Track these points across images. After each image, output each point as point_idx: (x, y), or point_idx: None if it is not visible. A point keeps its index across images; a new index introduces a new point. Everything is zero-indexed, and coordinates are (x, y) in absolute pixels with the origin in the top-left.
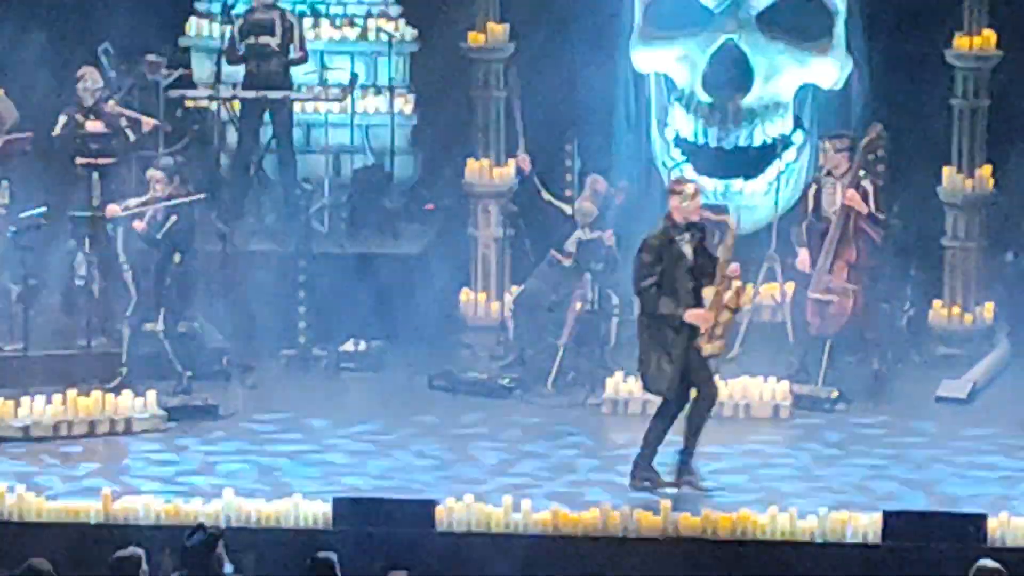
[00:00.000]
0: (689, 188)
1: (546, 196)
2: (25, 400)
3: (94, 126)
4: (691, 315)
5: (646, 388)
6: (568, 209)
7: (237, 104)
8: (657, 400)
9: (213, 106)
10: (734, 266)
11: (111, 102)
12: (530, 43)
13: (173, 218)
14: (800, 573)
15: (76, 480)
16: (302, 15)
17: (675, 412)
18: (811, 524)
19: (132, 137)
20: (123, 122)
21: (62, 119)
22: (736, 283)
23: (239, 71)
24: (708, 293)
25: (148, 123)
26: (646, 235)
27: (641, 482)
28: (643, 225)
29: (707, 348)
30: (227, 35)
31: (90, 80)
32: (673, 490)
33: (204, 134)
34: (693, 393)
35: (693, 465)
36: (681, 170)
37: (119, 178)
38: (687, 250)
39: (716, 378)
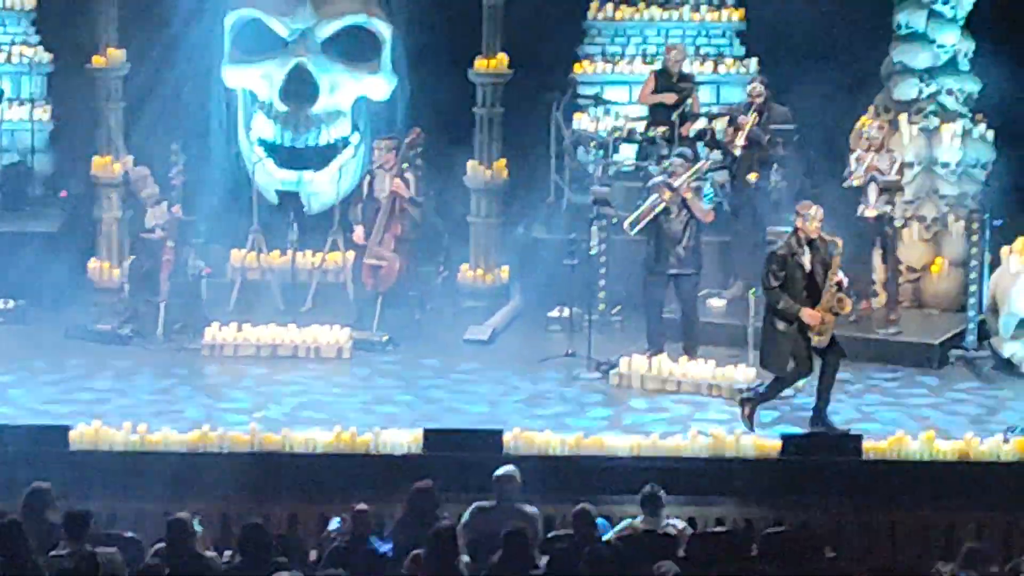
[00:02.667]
0: (812, 211)
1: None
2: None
3: None
4: (805, 314)
5: (763, 364)
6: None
7: None
8: None
9: None
10: (842, 278)
11: None
12: (144, 64)
13: None
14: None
15: None
16: None
17: (787, 384)
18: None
19: None
20: None
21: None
22: (841, 293)
23: None
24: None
25: None
26: (775, 247)
27: (748, 418)
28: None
29: (815, 340)
30: None
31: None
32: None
33: None
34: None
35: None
36: (264, 164)
37: None
38: (805, 261)
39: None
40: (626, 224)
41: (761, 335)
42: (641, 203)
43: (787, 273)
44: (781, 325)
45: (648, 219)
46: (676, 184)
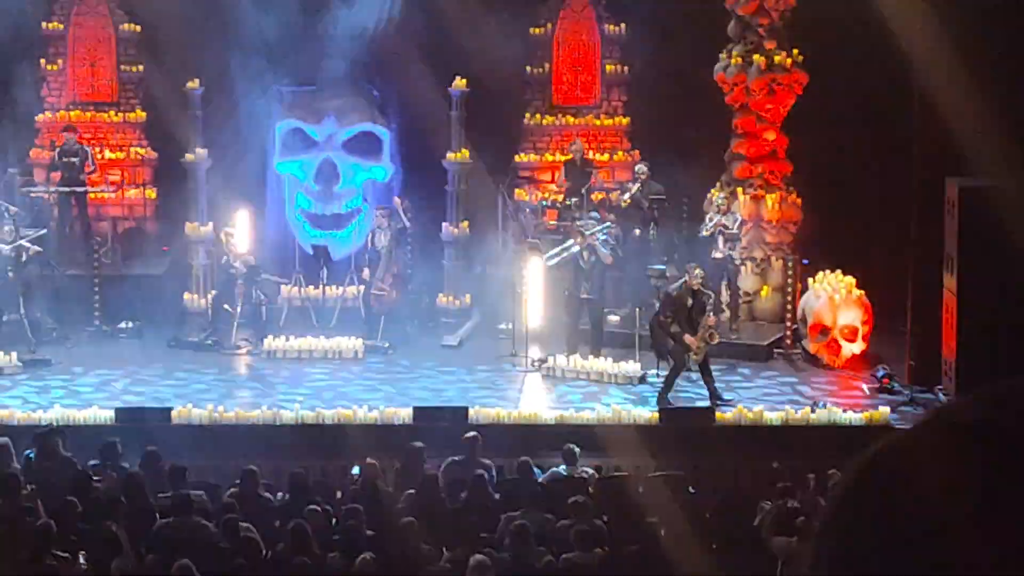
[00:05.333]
0: (696, 271)
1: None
2: None
3: None
4: (687, 339)
5: (663, 358)
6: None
7: None
8: None
9: None
10: (712, 319)
11: None
12: (222, 158)
13: None
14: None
15: None
16: None
17: (674, 377)
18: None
19: None
20: None
21: None
22: (712, 330)
23: None
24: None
25: None
26: (673, 293)
27: (663, 398)
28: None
29: (693, 357)
30: None
31: None
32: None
33: None
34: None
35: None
36: (310, 228)
37: None
38: (690, 303)
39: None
40: (544, 258)
41: (663, 343)
42: (561, 247)
43: (676, 310)
44: (675, 345)
45: (563, 256)
46: (587, 233)
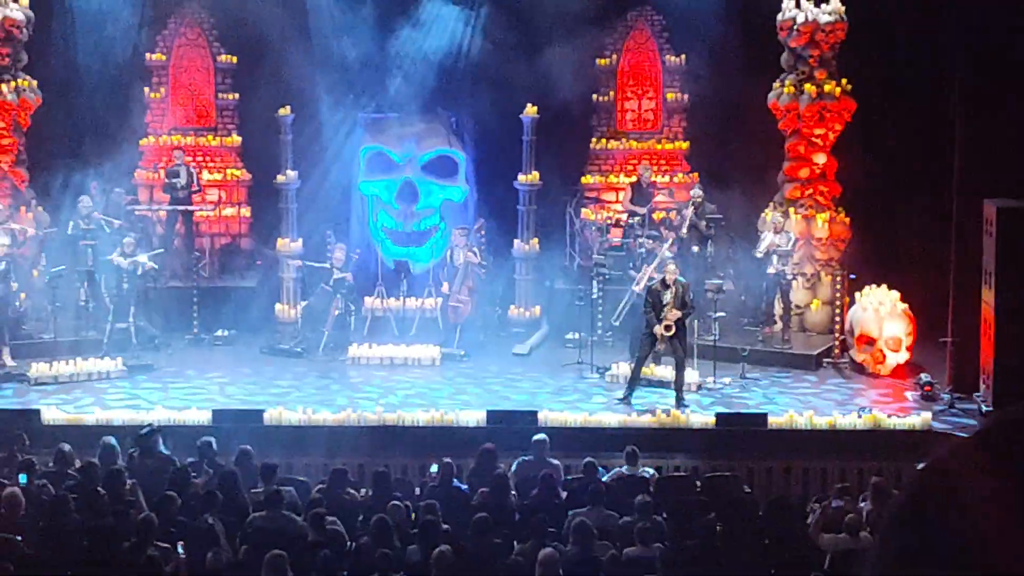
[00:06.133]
0: (671, 266)
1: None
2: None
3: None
4: (656, 329)
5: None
6: (327, 264)
7: None
8: None
9: None
10: (676, 313)
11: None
12: (309, 179)
13: None
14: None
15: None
16: None
17: (638, 368)
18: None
19: None
20: None
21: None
22: (674, 317)
23: None
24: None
25: None
26: (652, 285)
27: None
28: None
29: (659, 345)
30: None
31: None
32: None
33: None
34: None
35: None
36: (392, 244)
37: None
38: (666, 296)
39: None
40: (634, 284)
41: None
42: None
43: (653, 302)
44: (645, 331)
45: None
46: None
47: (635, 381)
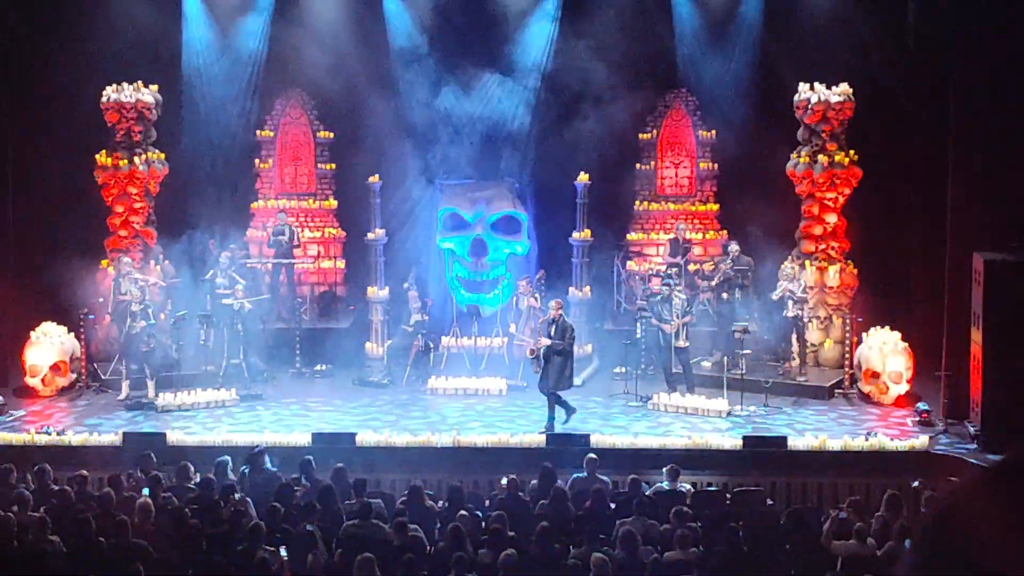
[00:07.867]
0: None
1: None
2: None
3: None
4: (664, 327)
5: (556, 387)
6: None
7: None
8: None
9: None
10: (545, 341)
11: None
12: (395, 237)
13: None
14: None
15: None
16: None
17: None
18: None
19: None
20: None
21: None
22: (543, 344)
23: None
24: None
25: None
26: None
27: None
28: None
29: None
30: None
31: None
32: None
33: None
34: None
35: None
36: (464, 292)
37: None
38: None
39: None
40: (666, 326)
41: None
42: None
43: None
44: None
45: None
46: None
47: (564, 404)
